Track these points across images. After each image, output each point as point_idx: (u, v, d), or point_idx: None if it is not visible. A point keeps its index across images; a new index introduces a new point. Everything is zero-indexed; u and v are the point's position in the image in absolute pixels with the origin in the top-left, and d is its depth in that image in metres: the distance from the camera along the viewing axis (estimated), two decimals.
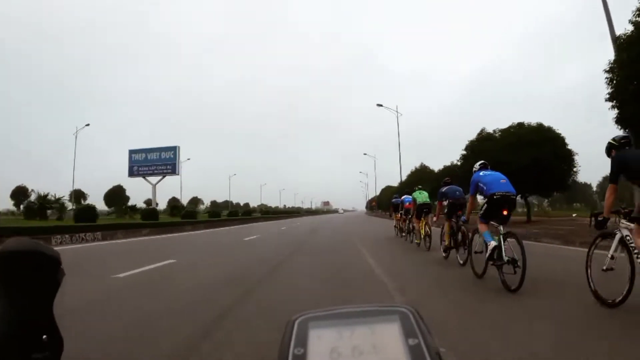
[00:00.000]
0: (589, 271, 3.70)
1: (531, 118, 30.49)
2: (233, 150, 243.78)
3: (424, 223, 9.03)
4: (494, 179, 4.71)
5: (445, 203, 7.24)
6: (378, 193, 67.38)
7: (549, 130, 19.19)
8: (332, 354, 0.32)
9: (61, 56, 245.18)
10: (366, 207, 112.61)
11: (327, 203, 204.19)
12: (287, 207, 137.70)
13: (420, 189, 9.81)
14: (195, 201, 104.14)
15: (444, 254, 6.97)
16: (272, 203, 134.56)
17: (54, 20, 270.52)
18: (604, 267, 3.51)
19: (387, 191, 55.67)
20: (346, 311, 0.36)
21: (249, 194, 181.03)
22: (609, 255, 3.51)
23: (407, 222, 11.27)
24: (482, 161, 5.28)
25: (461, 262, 6.14)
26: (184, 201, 72.57)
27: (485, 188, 4.67)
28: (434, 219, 8.55)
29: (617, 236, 3.46)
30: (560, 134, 19.10)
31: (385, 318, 0.35)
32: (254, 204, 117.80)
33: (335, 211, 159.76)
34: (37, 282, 0.45)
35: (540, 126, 19.37)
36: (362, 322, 0.34)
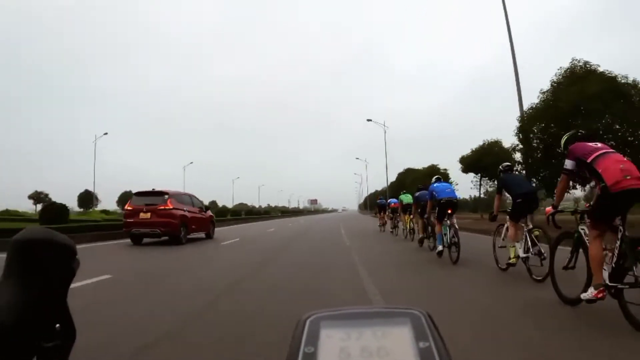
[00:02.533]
0: (495, 252, 5.67)
1: None
2: (223, 146, 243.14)
3: (409, 219, 11.34)
4: (442, 189, 6.94)
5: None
6: (369, 193, 71.12)
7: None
8: (341, 353, 0.32)
9: (50, 48, 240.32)
10: (359, 207, 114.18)
11: (314, 201, 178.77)
12: (270, 206, 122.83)
13: (404, 192, 12.64)
14: None
15: (419, 244, 9.24)
16: (254, 201, 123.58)
17: (40, 9, 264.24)
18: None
19: (375, 194, 58.99)
20: (358, 312, 0.36)
21: (229, 191, 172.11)
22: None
23: (394, 219, 13.95)
24: (437, 176, 7.59)
25: (430, 248, 8.30)
26: None
27: (436, 195, 6.88)
28: (411, 217, 10.92)
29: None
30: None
31: (396, 320, 0.35)
32: (228, 202, 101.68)
33: (324, 211, 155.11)
34: (52, 270, 0.46)
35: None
36: (373, 323, 0.35)
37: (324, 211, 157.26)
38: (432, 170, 35.13)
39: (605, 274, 2.97)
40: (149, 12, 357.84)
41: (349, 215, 57.05)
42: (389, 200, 15.60)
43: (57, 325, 0.46)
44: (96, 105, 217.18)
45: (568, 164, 3.41)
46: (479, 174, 27.33)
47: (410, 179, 38.03)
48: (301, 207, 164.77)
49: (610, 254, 3.00)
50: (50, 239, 0.46)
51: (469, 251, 6.90)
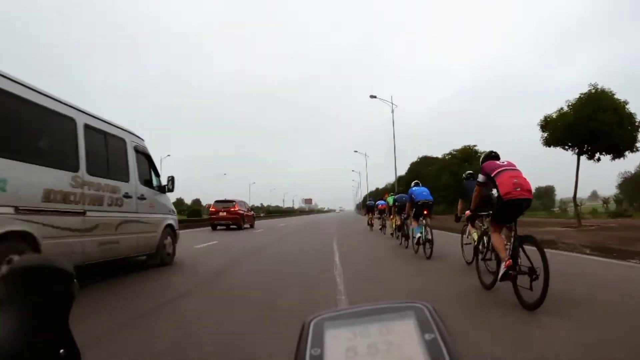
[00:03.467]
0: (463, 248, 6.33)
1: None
2: (212, 143, 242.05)
3: (395, 219, 12.17)
4: (419, 192, 7.70)
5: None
6: (369, 191, 69.93)
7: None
8: (348, 352, 0.32)
9: (37, 40, 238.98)
10: (357, 208, 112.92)
11: (308, 201, 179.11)
12: (264, 205, 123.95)
13: (391, 195, 13.66)
14: None
15: (396, 238, 10.34)
16: (246, 199, 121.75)
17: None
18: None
19: (375, 193, 58.76)
20: (361, 310, 0.36)
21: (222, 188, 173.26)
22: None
23: (382, 219, 15.37)
24: (415, 181, 8.42)
25: (405, 246, 9.28)
26: None
27: (414, 197, 7.64)
28: (391, 216, 11.91)
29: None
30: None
31: (400, 314, 0.35)
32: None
33: (320, 211, 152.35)
34: (52, 296, 0.46)
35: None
36: (377, 319, 0.35)
37: (320, 211, 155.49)
38: (467, 153, 32.15)
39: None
40: (143, 2, 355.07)
41: (345, 216, 57.74)
42: (377, 202, 17.11)
43: (62, 350, 0.46)
44: (87, 97, 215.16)
45: (480, 177, 4.30)
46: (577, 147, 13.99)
47: (425, 171, 33.71)
48: (296, 206, 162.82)
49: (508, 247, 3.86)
50: (48, 265, 0.46)
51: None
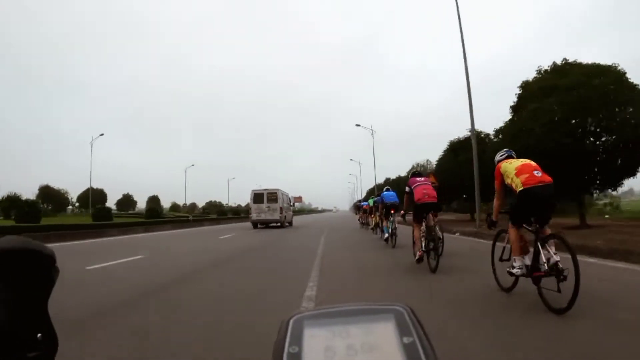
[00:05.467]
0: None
1: None
2: (206, 144, 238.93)
3: (375, 217, 14.55)
4: (388, 196, 9.96)
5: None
6: (364, 195, 72.57)
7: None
8: (326, 352, 0.32)
9: (21, 33, 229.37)
10: (352, 208, 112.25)
11: (298, 199, 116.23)
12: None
13: (373, 197, 15.70)
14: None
15: (373, 232, 12.84)
16: (239, 200, 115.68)
17: None
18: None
19: (372, 191, 61.45)
20: (341, 310, 0.36)
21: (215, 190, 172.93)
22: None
23: (366, 217, 18.44)
24: (387, 187, 10.64)
25: (380, 236, 11.64)
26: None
27: (385, 200, 9.90)
28: (371, 215, 14.78)
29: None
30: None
31: (380, 317, 0.35)
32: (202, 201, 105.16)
33: (313, 211, 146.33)
34: (31, 280, 0.45)
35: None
36: (357, 320, 0.35)
37: (312, 211, 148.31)
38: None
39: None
40: None
41: (340, 215, 60.24)
42: (361, 203, 21.26)
43: (39, 334, 0.45)
44: (75, 99, 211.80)
45: (407, 188, 6.35)
46: None
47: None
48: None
49: None
50: (28, 248, 0.45)
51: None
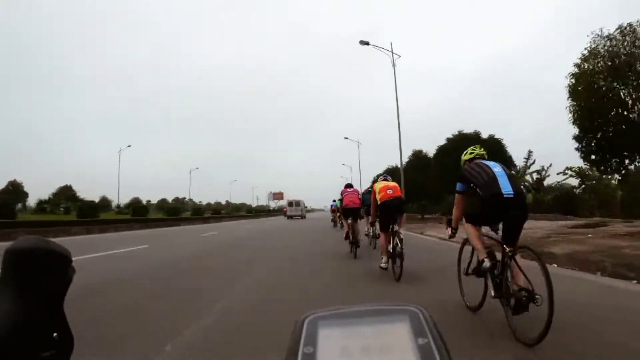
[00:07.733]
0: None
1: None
2: (195, 140, 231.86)
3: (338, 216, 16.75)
4: (350, 199, 9.48)
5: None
6: (362, 189, 65.61)
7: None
8: (341, 352, 0.32)
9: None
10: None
11: (278, 195, 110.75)
12: (234, 203, 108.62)
13: (339, 199, 16.21)
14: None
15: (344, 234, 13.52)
16: (221, 198, 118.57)
17: None
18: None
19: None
20: (355, 310, 0.36)
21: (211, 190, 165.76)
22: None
23: (335, 216, 19.82)
24: (347, 182, 10.49)
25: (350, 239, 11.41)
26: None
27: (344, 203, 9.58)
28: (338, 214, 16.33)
29: None
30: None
31: (394, 317, 0.35)
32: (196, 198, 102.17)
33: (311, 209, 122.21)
34: (47, 279, 0.45)
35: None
36: (371, 321, 0.35)
37: (276, 212, 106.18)
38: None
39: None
40: None
41: (327, 216, 59.74)
42: (331, 204, 23.30)
43: (55, 334, 0.46)
44: (64, 91, 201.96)
45: (339, 196, 8.47)
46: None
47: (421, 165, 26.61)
48: (266, 203, 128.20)
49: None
50: (45, 248, 0.46)
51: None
